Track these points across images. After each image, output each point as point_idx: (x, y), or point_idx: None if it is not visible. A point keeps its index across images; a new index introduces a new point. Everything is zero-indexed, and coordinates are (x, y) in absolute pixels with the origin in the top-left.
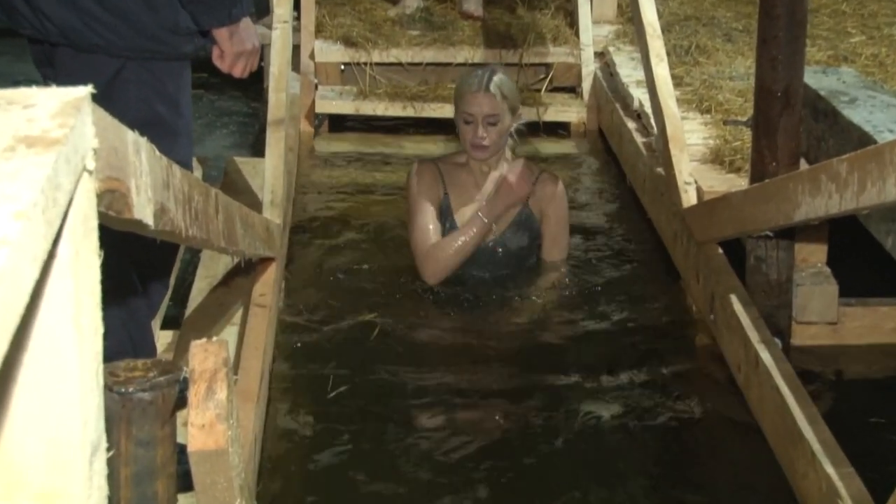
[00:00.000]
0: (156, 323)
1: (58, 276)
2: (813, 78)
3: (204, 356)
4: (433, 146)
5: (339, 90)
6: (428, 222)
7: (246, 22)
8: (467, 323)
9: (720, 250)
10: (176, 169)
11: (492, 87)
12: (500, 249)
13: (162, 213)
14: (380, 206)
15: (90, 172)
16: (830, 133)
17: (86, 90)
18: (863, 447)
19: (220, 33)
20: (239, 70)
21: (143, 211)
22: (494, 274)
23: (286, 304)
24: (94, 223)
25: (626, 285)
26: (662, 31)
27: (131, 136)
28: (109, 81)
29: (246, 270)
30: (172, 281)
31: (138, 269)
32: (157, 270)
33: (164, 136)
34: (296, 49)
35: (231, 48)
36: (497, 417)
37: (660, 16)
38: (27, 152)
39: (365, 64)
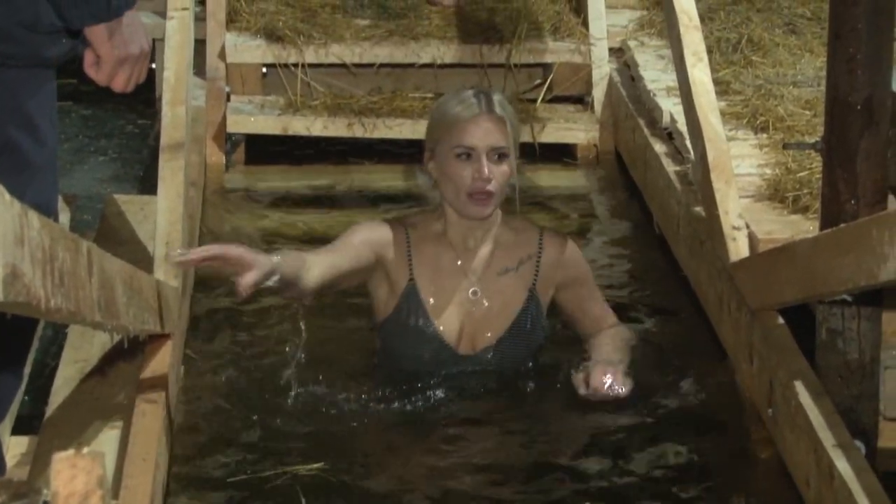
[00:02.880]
0: (5, 426)
1: None
2: None
3: (71, 474)
4: (392, 180)
5: (259, 102)
6: (331, 261)
7: (131, 17)
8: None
9: (781, 320)
10: (33, 217)
11: (497, 108)
12: (493, 367)
13: (13, 278)
14: None
15: None
16: None
17: None
18: None
19: (96, 32)
20: (121, 82)
21: None
22: (486, 387)
23: (186, 401)
24: None
25: (653, 367)
26: (702, 20)
27: None
28: None
29: (130, 353)
30: (28, 369)
31: None
32: (6, 356)
33: (18, 170)
34: (200, 45)
35: (111, 53)
36: None
37: None
38: None
39: (295, 65)
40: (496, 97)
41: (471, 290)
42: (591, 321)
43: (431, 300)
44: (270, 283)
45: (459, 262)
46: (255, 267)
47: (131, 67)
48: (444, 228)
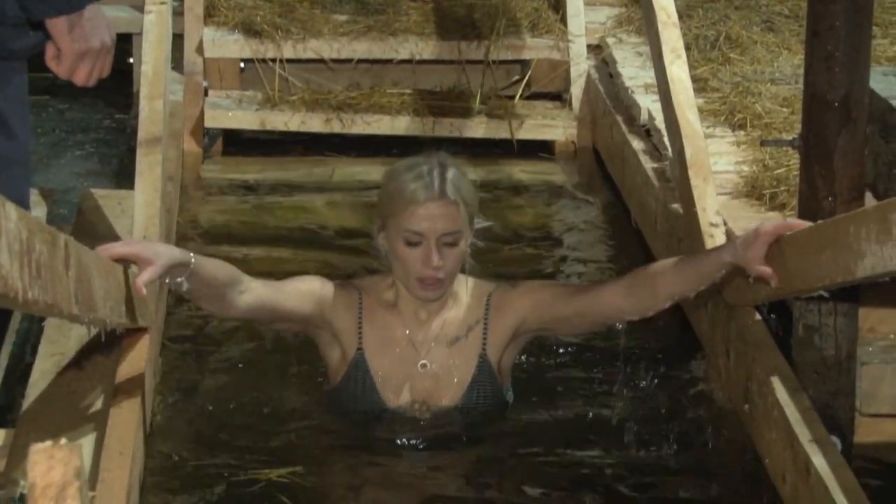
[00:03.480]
0: None
1: None
2: (882, 82)
3: (48, 466)
4: (370, 174)
5: (237, 97)
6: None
7: (93, 10)
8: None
9: (758, 316)
10: (11, 209)
11: (450, 190)
12: (440, 441)
13: None
14: (295, 256)
15: None
16: None
17: None
18: None
19: (57, 25)
20: (82, 76)
21: None
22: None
23: (163, 394)
24: None
25: (628, 364)
26: (681, 17)
27: None
28: None
29: (107, 346)
30: (4, 361)
31: None
32: None
33: None
34: (177, 40)
35: (71, 46)
36: None
37: None
38: None
39: (273, 60)
40: (450, 175)
41: (420, 364)
42: (604, 297)
43: (380, 372)
44: (182, 279)
45: (408, 332)
46: (155, 262)
47: (92, 61)
48: (395, 299)
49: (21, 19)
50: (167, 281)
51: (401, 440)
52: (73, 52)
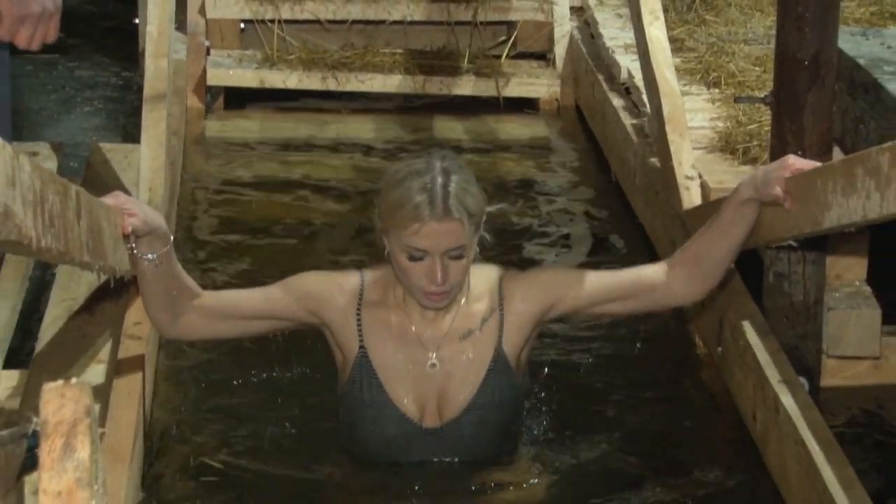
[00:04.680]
0: None
1: None
2: (850, 42)
3: (60, 403)
4: (364, 129)
5: (237, 56)
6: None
7: None
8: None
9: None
10: (24, 160)
11: (454, 207)
12: (466, 438)
13: (6, 217)
14: (294, 208)
15: None
16: (872, 114)
17: None
18: None
19: None
20: (23, 39)
21: None
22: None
23: (169, 339)
24: None
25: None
26: None
27: None
28: None
29: (116, 292)
30: (19, 306)
31: None
32: None
33: None
34: (180, 1)
35: (10, 9)
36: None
37: None
38: None
39: (272, 21)
40: (454, 187)
41: (429, 363)
42: (646, 278)
43: (386, 372)
44: (154, 256)
45: (414, 329)
46: (139, 216)
47: (34, 25)
48: (402, 295)
49: None
50: (140, 254)
51: (411, 443)
52: (13, 15)
